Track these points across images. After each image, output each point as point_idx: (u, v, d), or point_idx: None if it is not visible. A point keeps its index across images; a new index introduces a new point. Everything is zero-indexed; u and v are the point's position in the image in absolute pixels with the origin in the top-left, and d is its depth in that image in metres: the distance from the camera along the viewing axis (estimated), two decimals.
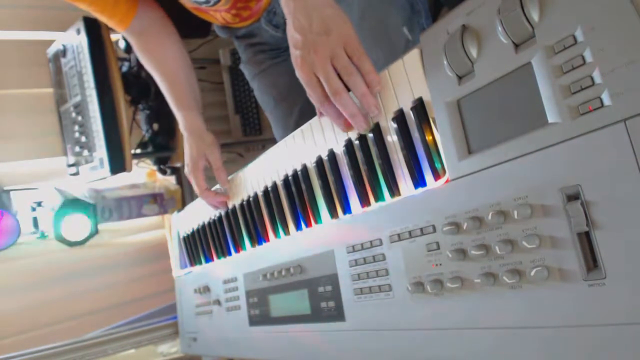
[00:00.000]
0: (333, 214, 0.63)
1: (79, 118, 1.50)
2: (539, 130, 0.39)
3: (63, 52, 1.52)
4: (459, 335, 0.46)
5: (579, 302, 0.37)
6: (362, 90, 0.54)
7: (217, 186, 0.93)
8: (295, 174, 0.69)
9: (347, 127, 0.59)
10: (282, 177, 0.73)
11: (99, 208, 1.60)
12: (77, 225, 1.49)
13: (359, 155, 0.58)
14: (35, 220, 1.56)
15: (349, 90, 0.55)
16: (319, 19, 0.55)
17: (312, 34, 0.54)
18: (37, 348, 1.16)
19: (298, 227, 0.70)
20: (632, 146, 0.33)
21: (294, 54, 0.57)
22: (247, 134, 1.93)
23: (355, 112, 0.55)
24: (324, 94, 0.55)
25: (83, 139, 1.50)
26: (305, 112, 0.98)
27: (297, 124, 0.98)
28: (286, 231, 0.73)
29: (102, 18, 0.95)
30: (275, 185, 0.75)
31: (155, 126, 1.68)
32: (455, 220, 0.46)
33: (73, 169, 1.57)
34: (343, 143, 0.60)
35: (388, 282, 0.54)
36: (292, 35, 0.57)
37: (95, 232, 1.51)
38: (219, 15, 0.96)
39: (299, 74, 0.57)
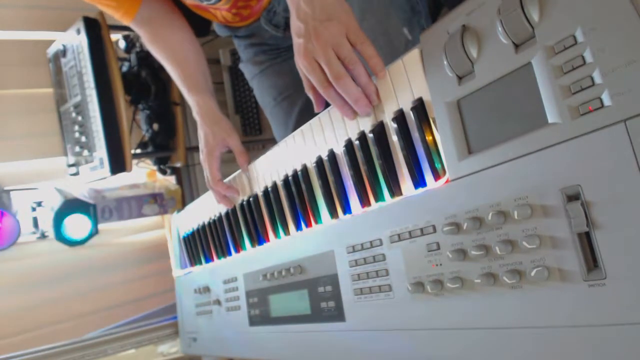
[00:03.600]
0: (333, 214, 0.63)
1: (79, 118, 1.50)
2: (539, 131, 0.39)
3: (63, 52, 1.52)
4: (459, 335, 0.46)
5: (579, 302, 0.37)
6: (366, 80, 0.55)
7: (228, 179, 0.91)
8: (295, 174, 0.69)
9: (353, 114, 0.58)
10: (282, 177, 0.73)
11: (99, 208, 1.60)
12: (77, 225, 1.49)
13: (359, 155, 0.58)
14: (35, 220, 1.57)
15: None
16: (321, 6, 0.55)
17: (314, 20, 0.55)
18: (37, 348, 1.16)
19: (298, 227, 0.70)
20: (632, 146, 0.33)
21: (297, 42, 0.57)
22: (247, 134, 1.93)
23: (358, 96, 0.55)
24: (326, 79, 0.55)
25: (83, 139, 1.50)
26: (305, 112, 0.98)
27: (297, 124, 0.98)
28: (286, 231, 0.73)
29: (108, 11, 0.94)
30: (275, 185, 0.75)
31: (155, 126, 1.68)
32: (456, 220, 0.46)
33: (73, 169, 1.57)
34: (343, 143, 0.60)
35: (388, 282, 0.54)
36: (295, 23, 0.58)
37: (95, 232, 1.52)
38: (219, 14, 0.96)
39: (300, 61, 0.57)
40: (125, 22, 0.96)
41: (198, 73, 0.95)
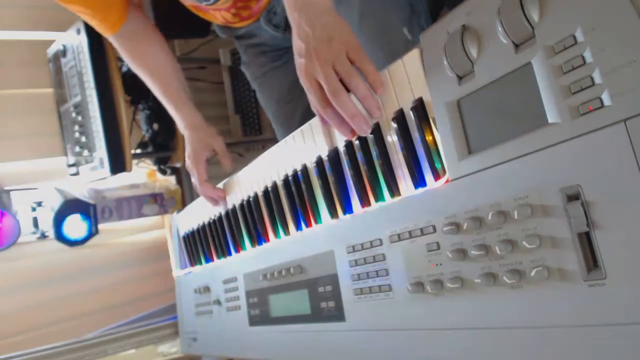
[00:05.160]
0: (333, 214, 0.63)
1: (79, 118, 1.50)
2: (539, 130, 0.39)
3: (63, 52, 1.52)
4: (459, 335, 0.46)
5: (579, 302, 0.37)
6: (364, 93, 0.54)
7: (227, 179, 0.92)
8: (295, 174, 0.69)
9: (352, 133, 0.58)
10: (282, 177, 0.73)
11: (99, 208, 1.60)
12: (77, 225, 1.49)
13: (359, 155, 0.58)
14: (35, 220, 1.57)
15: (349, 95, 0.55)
16: (321, 26, 0.55)
17: (315, 40, 0.55)
18: (37, 348, 1.16)
19: (298, 227, 0.70)
20: (632, 146, 0.33)
21: (298, 61, 0.57)
22: (247, 134, 1.93)
23: (355, 112, 0.54)
24: (325, 98, 0.55)
25: (83, 139, 1.50)
26: (308, 115, 0.98)
27: (300, 127, 0.99)
28: (286, 231, 0.73)
29: (93, 22, 0.95)
30: (275, 185, 0.75)
31: (155, 126, 1.68)
32: (455, 220, 0.46)
33: (73, 169, 1.57)
34: (343, 143, 0.60)
35: (388, 282, 0.54)
36: (297, 42, 0.57)
37: (95, 232, 1.51)
38: (218, 15, 0.96)
39: (302, 81, 0.57)
40: (107, 34, 0.99)
41: (179, 88, 1.01)
